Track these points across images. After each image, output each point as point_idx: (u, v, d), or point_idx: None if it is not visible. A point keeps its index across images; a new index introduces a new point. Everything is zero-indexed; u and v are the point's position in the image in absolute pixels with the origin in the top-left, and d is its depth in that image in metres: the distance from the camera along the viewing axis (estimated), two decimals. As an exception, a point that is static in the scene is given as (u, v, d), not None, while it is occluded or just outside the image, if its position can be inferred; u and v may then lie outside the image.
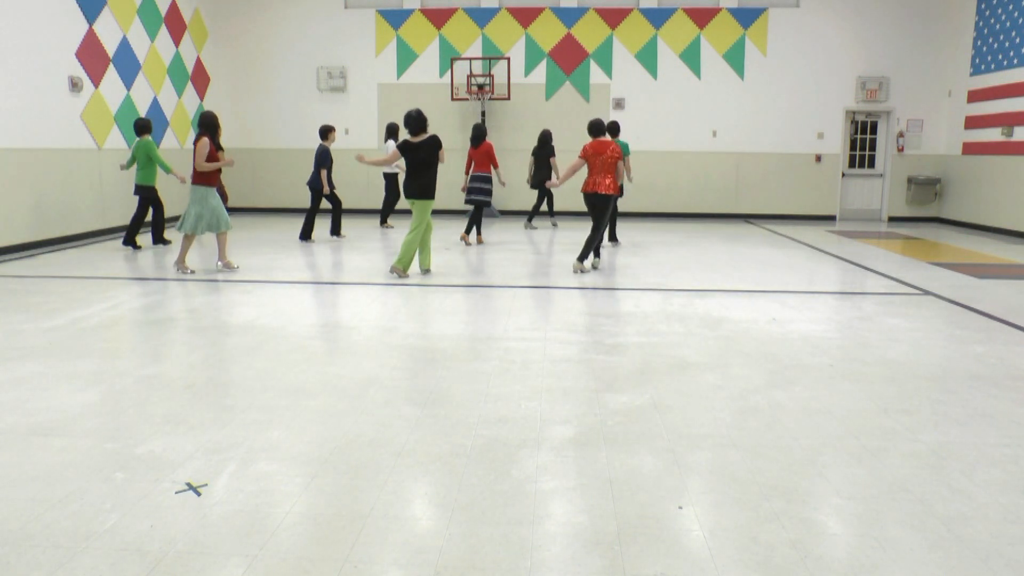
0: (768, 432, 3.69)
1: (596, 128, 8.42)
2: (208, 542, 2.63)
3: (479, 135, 10.58)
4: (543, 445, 3.50)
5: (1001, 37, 12.29)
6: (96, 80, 10.85)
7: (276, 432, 3.63)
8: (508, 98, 14.10)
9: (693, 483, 3.12)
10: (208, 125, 7.90)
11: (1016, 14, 11.89)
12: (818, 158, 14.36)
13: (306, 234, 10.80)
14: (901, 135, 14.22)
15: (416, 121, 7.68)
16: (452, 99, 14.10)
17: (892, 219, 14.49)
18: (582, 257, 8.28)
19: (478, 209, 10.62)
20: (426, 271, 8.05)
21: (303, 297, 6.91)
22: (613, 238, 10.76)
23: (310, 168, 14.64)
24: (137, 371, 4.60)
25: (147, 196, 9.68)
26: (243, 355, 4.98)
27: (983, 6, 12.87)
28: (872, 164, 14.60)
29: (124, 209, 11.59)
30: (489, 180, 10.55)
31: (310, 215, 10.83)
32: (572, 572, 2.47)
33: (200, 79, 13.96)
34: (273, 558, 2.53)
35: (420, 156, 7.68)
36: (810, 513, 2.88)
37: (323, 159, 10.51)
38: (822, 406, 4.07)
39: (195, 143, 7.87)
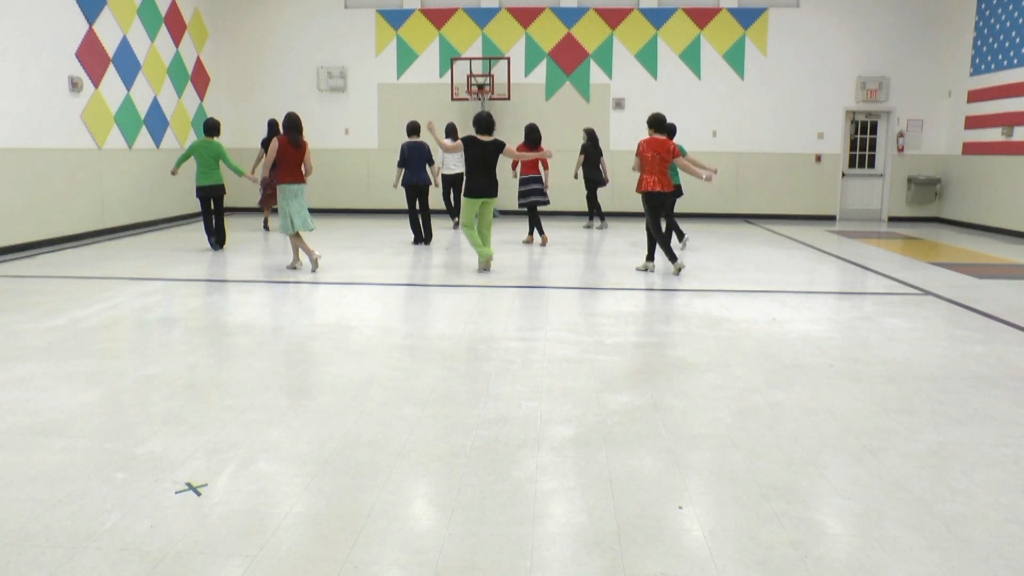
0: (768, 432, 3.69)
1: (656, 124, 8.04)
2: (208, 542, 2.63)
3: (538, 137, 10.30)
4: (543, 445, 3.50)
5: (1001, 37, 12.29)
6: (96, 80, 10.85)
7: (276, 432, 3.63)
8: (508, 98, 14.10)
9: (693, 483, 3.12)
10: (284, 126, 8.20)
11: (1016, 14, 11.89)
12: (818, 158, 14.37)
13: (427, 236, 10.60)
14: (901, 135, 14.22)
15: (478, 122, 8.08)
16: (452, 99, 14.09)
17: (892, 219, 14.49)
18: (672, 258, 8.14)
19: (532, 209, 10.66)
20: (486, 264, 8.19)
21: (304, 297, 6.91)
22: (680, 235, 10.44)
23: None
24: (137, 371, 4.60)
25: (219, 195, 9.72)
26: (243, 355, 4.98)
27: (983, 6, 12.87)
28: (872, 164, 14.60)
29: (124, 209, 11.60)
30: (540, 180, 10.59)
31: (422, 215, 10.57)
32: (572, 572, 2.47)
33: (200, 79, 13.97)
34: (273, 558, 2.53)
35: (479, 153, 8.04)
36: (810, 513, 2.88)
37: (430, 155, 10.47)
38: (822, 406, 4.07)
39: (303, 147, 8.11)
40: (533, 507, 2.90)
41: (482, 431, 3.66)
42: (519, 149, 10.42)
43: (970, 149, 13.22)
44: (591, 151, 12.07)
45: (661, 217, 8.22)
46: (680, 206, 14.50)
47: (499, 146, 8.06)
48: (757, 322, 6.00)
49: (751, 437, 3.62)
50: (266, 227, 12.13)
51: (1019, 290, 7.51)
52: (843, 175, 14.55)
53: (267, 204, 11.93)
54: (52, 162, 9.96)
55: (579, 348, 5.18)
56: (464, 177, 11.87)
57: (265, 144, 11.77)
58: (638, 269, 8.42)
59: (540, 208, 11.02)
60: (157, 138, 12.44)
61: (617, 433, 3.65)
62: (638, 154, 8.08)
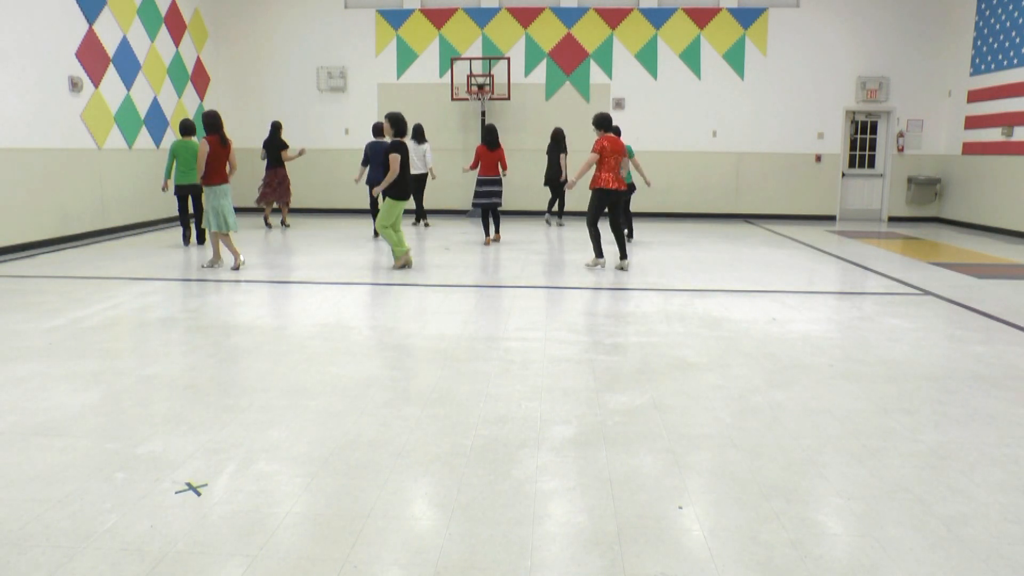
0: (768, 432, 3.69)
1: (609, 122, 8.39)
2: (208, 542, 2.63)
3: (496, 138, 10.58)
4: (543, 445, 3.50)
5: (1001, 37, 12.29)
6: (96, 80, 10.85)
7: (276, 432, 3.63)
8: (508, 98, 14.10)
9: (693, 483, 3.12)
10: (209, 125, 8.19)
11: (1016, 14, 11.89)
12: (818, 158, 14.37)
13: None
14: (901, 135, 14.22)
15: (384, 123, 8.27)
16: (452, 99, 14.10)
17: (892, 219, 14.49)
18: (625, 255, 8.54)
19: (486, 210, 10.74)
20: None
21: (303, 297, 6.91)
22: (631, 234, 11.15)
23: (309, 168, 14.75)
24: (137, 371, 4.60)
25: (196, 194, 10.01)
26: (243, 355, 4.98)
27: (983, 6, 12.87)
28: (872, 164, 14.60)
29: (124, 209, 11.60)
30: (499, 183, 10.60)
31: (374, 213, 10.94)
32: (572, 572, 2.47)
33: (200, 79, 13.96)
34: (273, 558, 2.53)
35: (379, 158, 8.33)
36: (810, 513, 2.88)
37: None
38: (822, 406, 4.07)
39: (229, 145, 8.19)
40: (533, 507, 2.90)
41: (482, 431, 3.66)
42: (478, 150, 10.51)
43: (970, 149, 13.22)
44: (552, 149, 12.21)
45: (626, 213, 8.65)
46: (681, 206, 14.60)
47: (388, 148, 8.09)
48: (757, 322, 6.00)
49: (751, 437, 3.62)
50: (267, 224, 12.35)
51: (1019, 290, 7.51)
52: (843, 175, 14.55)
53: (266, 201, 12.08)
54: (52, 162, 9.96)
55: (579, 348, 5.18)
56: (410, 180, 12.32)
57: (267, 145, 12.00)
58: (616, 267, 8.54)
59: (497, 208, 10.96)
60: (157, 138, 12.44)
61: (617, 433, 3.65)
62: (601, 151, 8.19)
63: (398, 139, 8.12)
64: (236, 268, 8.22)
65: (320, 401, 4.09)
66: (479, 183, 10.55)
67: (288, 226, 12.40)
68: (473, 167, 10.61)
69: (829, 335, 5.62)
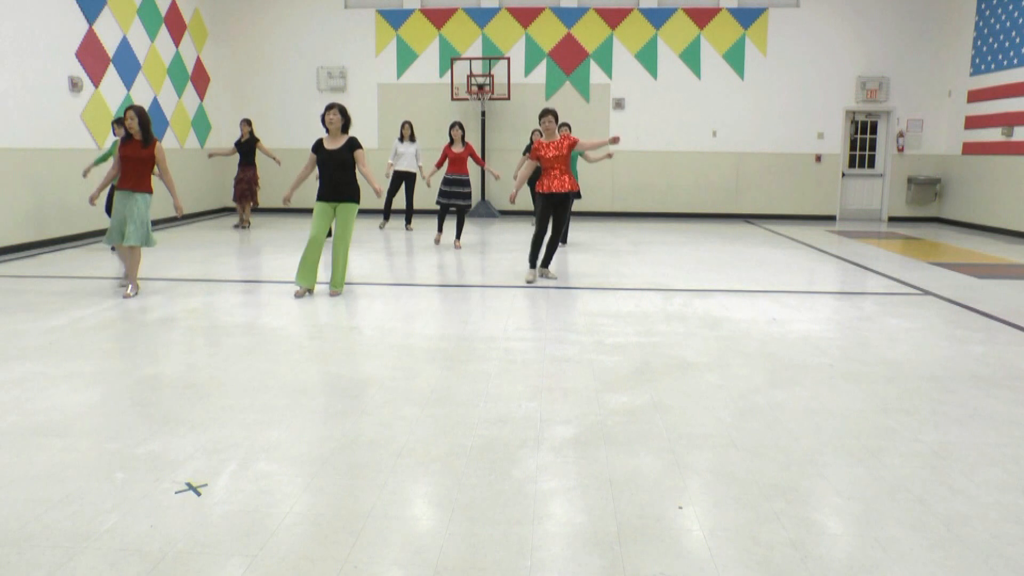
0: (768, 432, 3.69)
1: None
2: (208, 542, 2.63)
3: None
4: (543, 445, 3.50)
5: (1001, 37, 12.29)
6: (96, 80, 10.84)
7: (276, 432, 3.63)
8: (508, 98, 14.10)
9: (693, 483, 3.12)
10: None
11: (1016, 14, 11.89)
12: (818, 158, 14.37)
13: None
14: (901, 135, 14.22)
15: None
16: (452, 99, 14.10)
17: (892, 219, 14.49)
18: (547, 263, 7.96)
19: (446, 210, 10.30)
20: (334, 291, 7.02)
21: (302, 297, 6.90)
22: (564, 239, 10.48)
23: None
24: (137, 371, 4.60)
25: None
26: (243, 355, 4.98)
27: (983, 6, 12.87)
28: (872, 164, 14.60)
29: (124, 209, 11.58)
30: (467, 183, 10.14)
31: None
32: (572, 572, 2.47)
33: (200, 79, 13.96)
34: (273, 558, 2.53)
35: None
36: (810, 513, 2.87)
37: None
38: (822, 406, 4.07)
39: (156, 147, 6.94)
40: (533, 507, 2.90)
41: (482, 431, 3.66)
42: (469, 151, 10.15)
43: (970, 149, 13.22)
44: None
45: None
46: (681, 206, 14.61)
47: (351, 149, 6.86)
48: (757, 322, 6.00)
49: (751, 437, 3.62)
50: (242, 225, 12.39)
51: (1019, 290, 7.51)
52: (843, 175, 14.55)
53: (242, 201, 12.17)
54: (52, 162, 9.96)
55: (579, 348, 5.18)
56: (401, 176, 11.84)
57: (239, 145, 12.14)
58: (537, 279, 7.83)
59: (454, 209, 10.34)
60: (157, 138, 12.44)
61: (617, 433, 3.65)
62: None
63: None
64: (134, 293, 6.79)
65: (320, 401, 4.09)
66: (446, 182, 10.10)
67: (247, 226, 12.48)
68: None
69: (829, 335, 5.62)
